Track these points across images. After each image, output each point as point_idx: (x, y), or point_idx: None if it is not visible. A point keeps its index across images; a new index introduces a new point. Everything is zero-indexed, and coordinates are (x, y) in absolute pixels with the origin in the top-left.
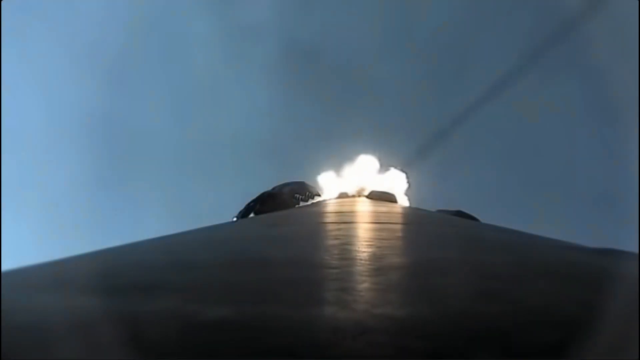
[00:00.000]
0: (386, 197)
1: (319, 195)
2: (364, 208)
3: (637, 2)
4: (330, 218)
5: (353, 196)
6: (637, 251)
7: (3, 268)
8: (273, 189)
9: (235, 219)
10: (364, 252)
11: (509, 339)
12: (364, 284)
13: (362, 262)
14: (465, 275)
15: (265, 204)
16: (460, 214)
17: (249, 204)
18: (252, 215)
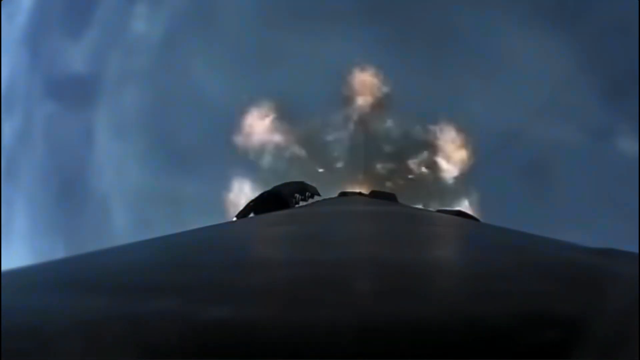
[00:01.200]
0: (387, 197)
1: (319, 195)
2: (364, 208)
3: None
4: (330, 217)
5: (353, 194)
6: (637, 251)
7: (3, 268)
8: (273, 189)
9: (235, 219)
10: (364, 251)
11: (508, 339)
12: (364, 284)
13: (363, 261)
14: (465, 275)
15: (265, 204)
16: (460, 214)
17: (249, 204)
18: (252, 215)
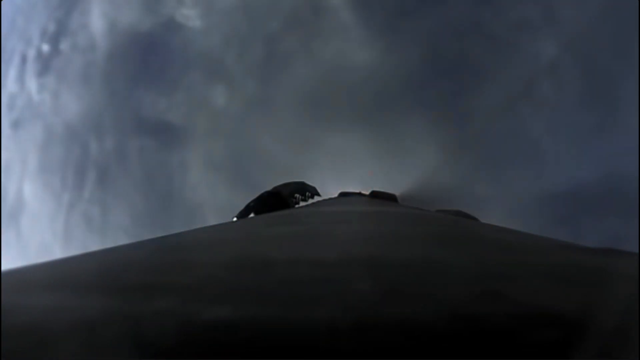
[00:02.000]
0: (387, 197)
1: (319, 195)
2: (364, 208)
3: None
4: (330, 217)
5: (353, 194)
6: (637, 251)
7: (3, 268)
8: (273, 189)
9: (235, 219)
10: (364, 251)
11: (508, 339)
12: (364, 284)
13: (362, 261)
14: (464, 275)
15: (265, 204)
16: (459, 213)
17: (249, 204)
18: (252, 215)
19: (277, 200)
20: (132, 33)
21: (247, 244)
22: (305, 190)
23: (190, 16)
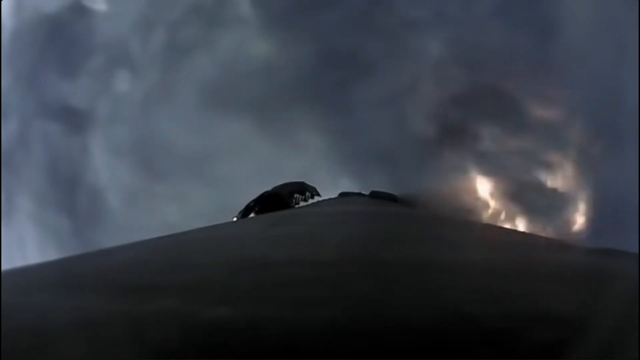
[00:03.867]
0: (387, 197)
1: (319, 195)
2: (364, 208)
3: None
4: (330, 217)
5: (353, 194)
6: (637, 251)
7: (3, 268)
8: (273, 189)
9: (235, 219)
10: (364, 251)
11: (508, 339)
12: (363, 284)
13: (362, 261)
14: (464, 275)
15: (265, 204)
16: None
17: (249, 204)
18: (252, 215)
19: (277, 201)
20: (37, 14)
21: (247, 244)
22: (305, 190)
23: (96, 0)
